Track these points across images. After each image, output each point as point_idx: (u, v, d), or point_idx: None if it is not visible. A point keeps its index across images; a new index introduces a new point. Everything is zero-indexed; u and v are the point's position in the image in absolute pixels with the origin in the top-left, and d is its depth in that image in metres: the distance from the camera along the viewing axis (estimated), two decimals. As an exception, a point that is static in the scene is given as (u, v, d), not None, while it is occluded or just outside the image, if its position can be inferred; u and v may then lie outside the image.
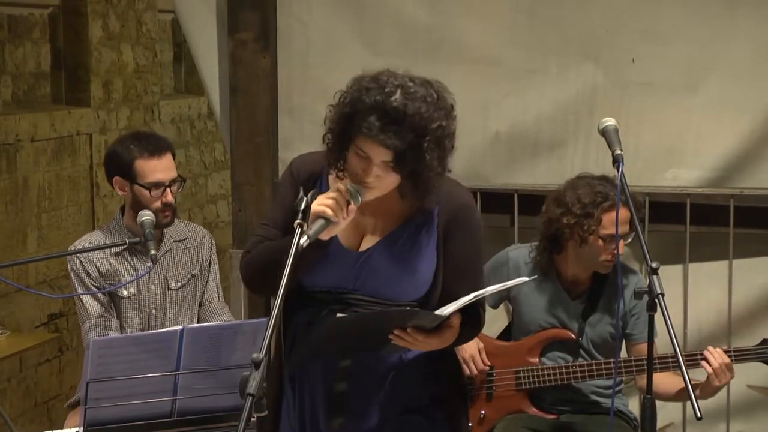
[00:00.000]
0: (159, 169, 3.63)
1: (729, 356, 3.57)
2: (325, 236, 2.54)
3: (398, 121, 2.50)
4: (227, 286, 4.60)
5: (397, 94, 2.51)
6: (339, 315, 2.58)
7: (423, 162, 2.53)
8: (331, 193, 2.55)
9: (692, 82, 4.28)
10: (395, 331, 2.57)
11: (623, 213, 3.47)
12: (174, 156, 3.72)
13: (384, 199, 2.64)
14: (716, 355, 3.50)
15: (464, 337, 2.72)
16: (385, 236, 2.68)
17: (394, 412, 2.73)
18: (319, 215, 2.51)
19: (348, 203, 2.54)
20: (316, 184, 2.71)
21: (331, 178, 2.70)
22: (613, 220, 3.48)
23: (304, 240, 2.47)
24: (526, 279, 2.82)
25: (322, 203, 2.52)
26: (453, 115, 2.59)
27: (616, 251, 3.47)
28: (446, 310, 2.55)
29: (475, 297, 2.56)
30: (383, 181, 2.57)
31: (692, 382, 3.48)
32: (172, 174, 3.66)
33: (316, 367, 2.72)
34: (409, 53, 4.30)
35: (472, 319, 2.69)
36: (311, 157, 2.78)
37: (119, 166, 3.66)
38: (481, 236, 2.76)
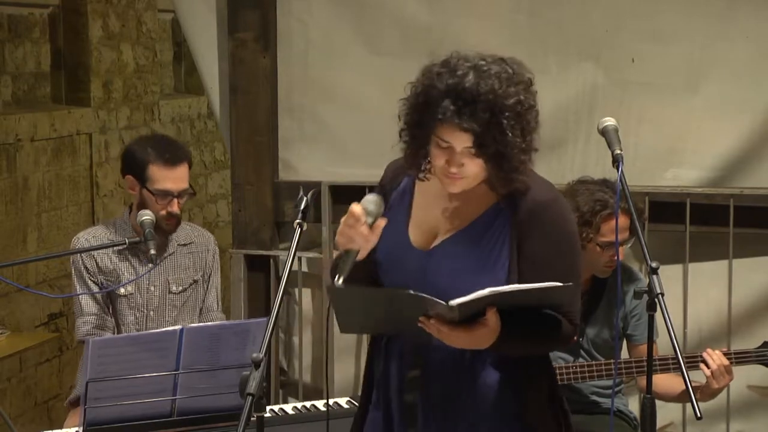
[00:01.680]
0: (170, 178, 3.62)
1: (729, 359, 3.56)
2: (360, 258, 2.50)
3: (472, 102, 2.42)
4: (227, 286, 4.60)
5: (470, 75, 2.45)
6: (335, 285, 2.46)
7: (505, 140, 2.43)
8: (348, 220, 2.48)
9: (692, 82, 4.27)
10: (420, 319, 2.46)
11: (622, 219, 3.46)
12: (190, 166, 3.71)
13: (458, 197, 2.58)
14: (715, 357, 3.49)
15: (530, 346, 2.57)
16: (452, 234, 2.59)
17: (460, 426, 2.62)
18: (344, 251, 2.48)
19: (368, 224, 2.48)
20: (399, 183, 2.66)
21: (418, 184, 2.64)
22: (611, 228, 3.47)
23: (339, 282, 2.43)
24: (560, 284, 2.47)
25: (341, 233, 2.48)
26: (532, 90, 2.51)
27: (615, 258, 3.45)
28: (456, 300, 2.41)
29: (492, 293, 2.41)
30: (468, 170, 2.49)
31: (693, 384, 3.49)
32: (183, 185, 3.65)
33: (393, 376, 2.64)
34: (409, 53, 4.28)
35: (546, 330, 2.55)
36: (400, 160, 2.67)
37: (133, 165, 3.67)
38: (565, 235, 2.57)
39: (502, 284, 2.49)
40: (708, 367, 3.49)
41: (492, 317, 2.46)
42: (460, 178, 2.51)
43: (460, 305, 2.41)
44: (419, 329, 2.50)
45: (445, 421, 2.61)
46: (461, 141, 2.45)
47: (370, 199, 2.51)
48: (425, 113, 2.48)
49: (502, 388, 2.60)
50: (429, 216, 2.62)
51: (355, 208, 2.48)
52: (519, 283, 2.50)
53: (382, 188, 2.69)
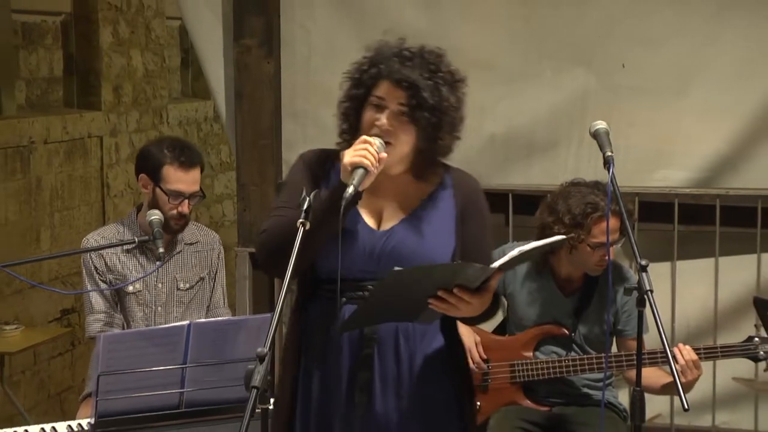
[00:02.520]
0: (183, 180, 3.64)
1: (715, 353, 3.56)
2: (361, 187, 2.51)
3: (414, 58, 2.57)
4: (232, 283, 4.60)
5: (414, 47, 2.60)
6: (397, 268, 2.47)
7: (440, 97, 2.55)
8: (359, 144, 2.53)
9: (680, 87, 4.27)
10: (439, 293, 2.50)
11: (613, 221, 3.46)
12: (202, 170, 3.72)
13: (399, 181, 2.64)
14: (685, 353, 3.46)
15: (488, 315, 2.67)
16: (408, 214, 2.65)
17: (410, 400, 2.66)
18: (356, 165, 2.50)
19: (377, 153, 2.52)
20: (326, 171, 2.69)
21: (342, 164, 2.67)
22: (602, 230, 3.47)
23: (350, 190, 2.46)
24: (563, 237, 2.79)
25: (355, 154, 2.51)
26: (464, 87, 2.64)
27: (606, 257, 3.46)
28: (494, 264, 2.49)
29: (520, 252, 2.51)
30: (398, 136, 2.56)
31: (667, 379, 3.48)
32: (194, 188, 3.67)
33: (345, 354, 2.65)
34: (408, 59, 4.28)
35: (495, 301, 2.66)
36: (321, 150, 2.76)
37: (149, 165, 3.68)
38: (490, 222, 2.76)
39: (450, 260, 2.61)
40: (677, 362, 3.45)
41: (495, 282, 2.54)
42: (387, 141, 2.55)
43: (501, 266, 2.49)
44: (417, 310, 2.55)
45: (392, 396, 2.64)
46: (396, 97, 2.55)
47: (376, 139, 2.56)
48: (369, 74, 2.58)
49: (439, 354, 2.68)
50: (372, 200, 2.65)
51: (366, 136, 2.55)
52: (461, 256, 2.62)
53: (309, 169, 2.70)
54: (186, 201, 3.64)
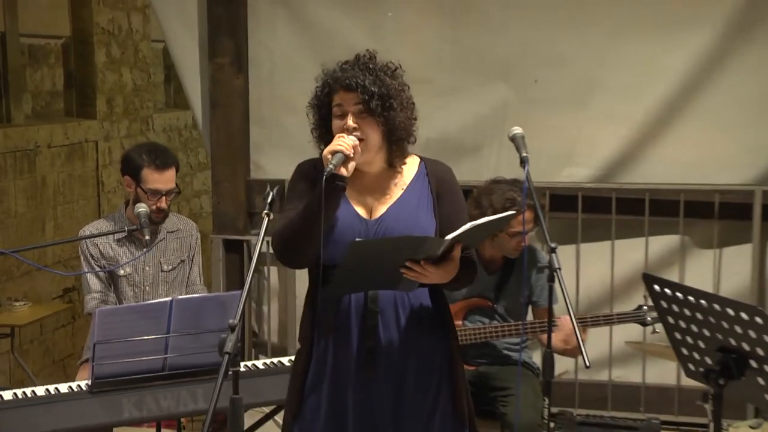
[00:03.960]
0: (160, 180, 3.58)
1: (612, 320, 3.59)
2: (344, 171, 2.47)
3: (353, 65, 2.57)
4: (209, 266, 4.55)
5: (349, 59, 2.61)
6: (357, 239, 2.43)
7: (384, 84, 2.53)
8: (336, 139, 2.50)
9: (583, 99, 4.30)
10: (407, 263, 2.45)
11: (528, 214, 3.46)
12: (177, 170, 3.66)
13: (381, 176, 2.60)
14: (565, 322, 3.46)
15: (464, 279, 2.58)
16: (394, 202, 2.60)
17: (409, 363, 2.60)
18: (333, 152, 2.46)
19: (350, 143, 2.49)
20: (319, 175, 2.59)
21: (323, 157, 2.60)
22: (519, 221, 3.47)
23: (328, 169, 2.42)
24: (512, 213, 2.74)
25: (333, 144, 2.48)
26: (399, 70, 2.62)
27: (522, 243, 3.47)
28: (448, 236, 2.44)
29: (472, 226, 2.45)
30: (365, 131, 2.52)
31: (573, 343, 3.49)
32: (170, 186, 3.61)
33: (353, 326, 2.57)
34: (357, 75, 4.26)
35: (470, 267, 2.59)
36: (311, 160, 2.69)
37: (130, 168, 3.62)
38: (463, 199, 2.67)
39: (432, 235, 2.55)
40: (560, 331, 3.44)
41: (458, 252, 2.49)
42: (359, 140, 2.51)
43: (453, 238, 2.43)
44: (395, 279, 2.48)
45: (394, 361, 2.58)
46: (351, 99, 2.52)
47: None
48: (325, 92, 2.56)
49: (431, 320, 2.61)
50: (360, 195, 2.61)
51: (342, 133, 2.52)
52: (441, 232, 2.56)
53: (307, 176, 2.63)
54: (163, 197, 3.59)
